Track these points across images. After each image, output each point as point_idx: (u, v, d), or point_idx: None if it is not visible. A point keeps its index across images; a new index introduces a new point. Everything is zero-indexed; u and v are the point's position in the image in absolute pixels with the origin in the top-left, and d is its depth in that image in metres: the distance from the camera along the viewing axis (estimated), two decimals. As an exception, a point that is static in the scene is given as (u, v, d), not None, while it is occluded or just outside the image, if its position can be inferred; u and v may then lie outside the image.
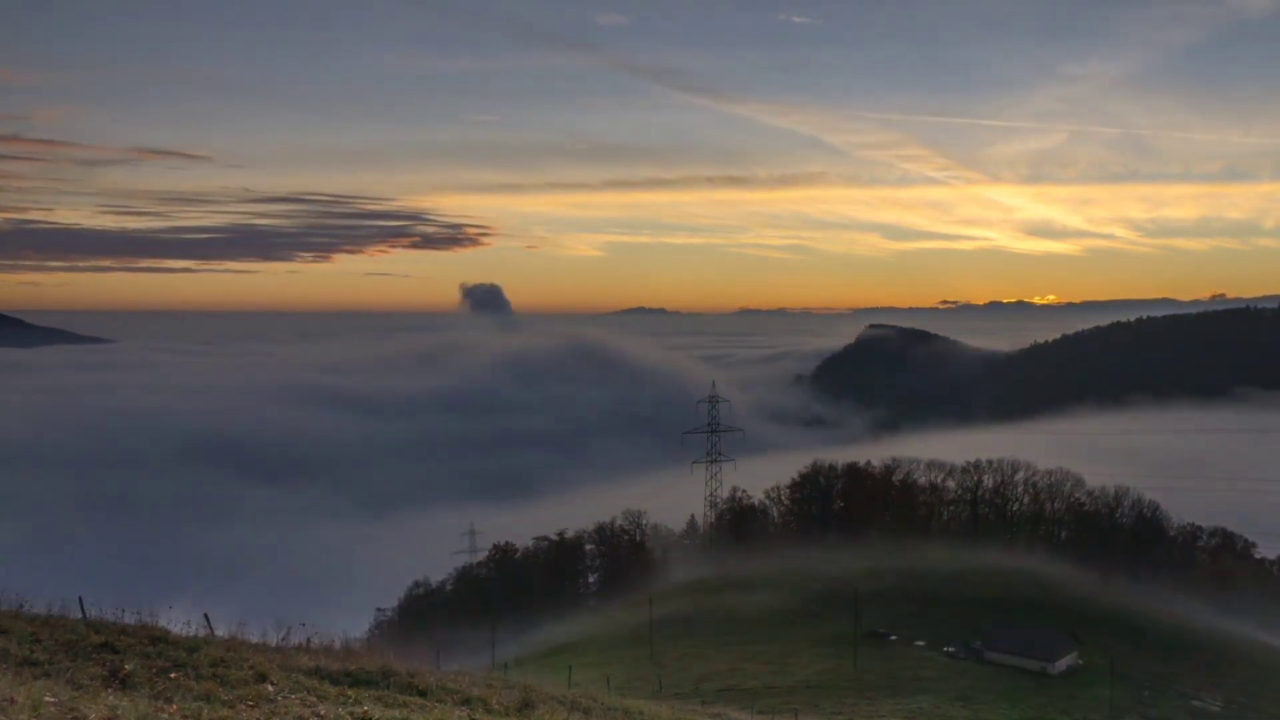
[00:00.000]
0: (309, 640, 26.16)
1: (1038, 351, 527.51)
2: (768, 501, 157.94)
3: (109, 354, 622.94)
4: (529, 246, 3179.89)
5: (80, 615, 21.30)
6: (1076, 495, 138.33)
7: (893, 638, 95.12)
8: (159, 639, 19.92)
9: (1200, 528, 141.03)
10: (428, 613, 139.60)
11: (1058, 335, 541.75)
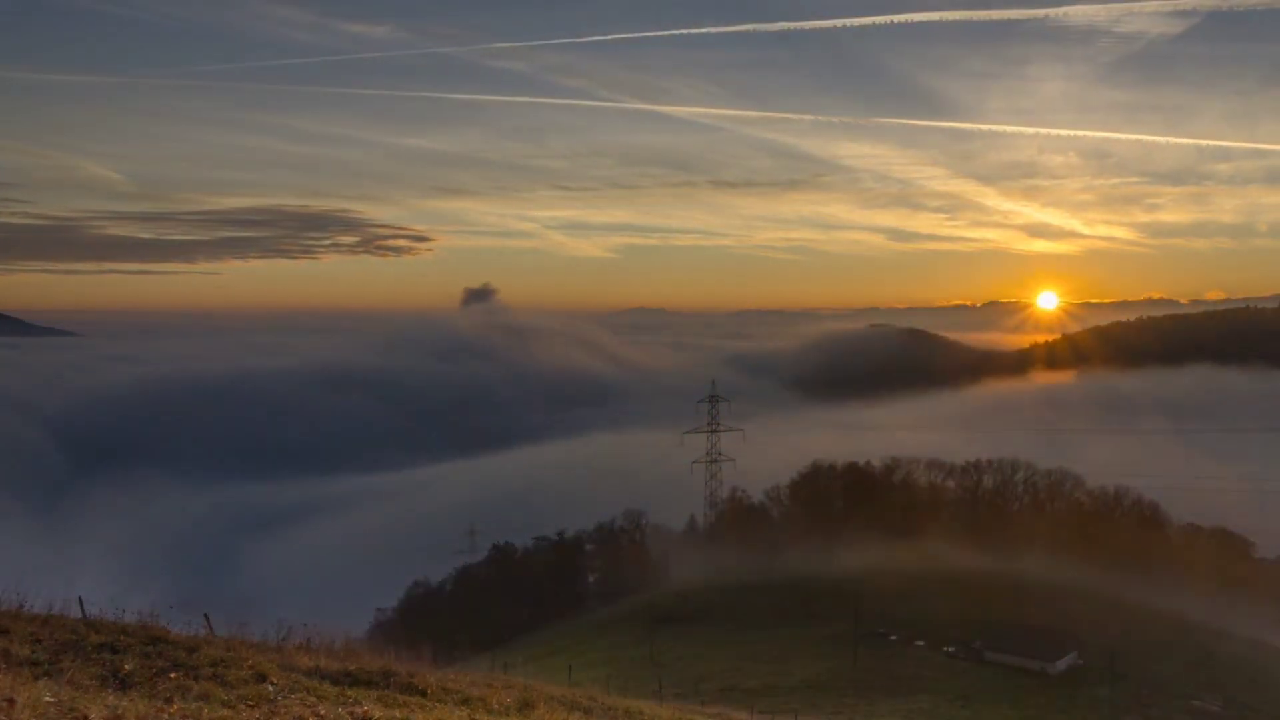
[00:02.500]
0: (309, 640, 26.11)
1: (1037, 351, 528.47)
2: (768, 501, 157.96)
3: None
4: (536, 248, 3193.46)
5: (80, 615, 21.29)
6: (1076, 495, 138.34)
7: (893, 638, 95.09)
8: (158, 639, 19.89)
9: (1200, 528, 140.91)
10: (428, 613, 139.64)
11: (1057, 335, 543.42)
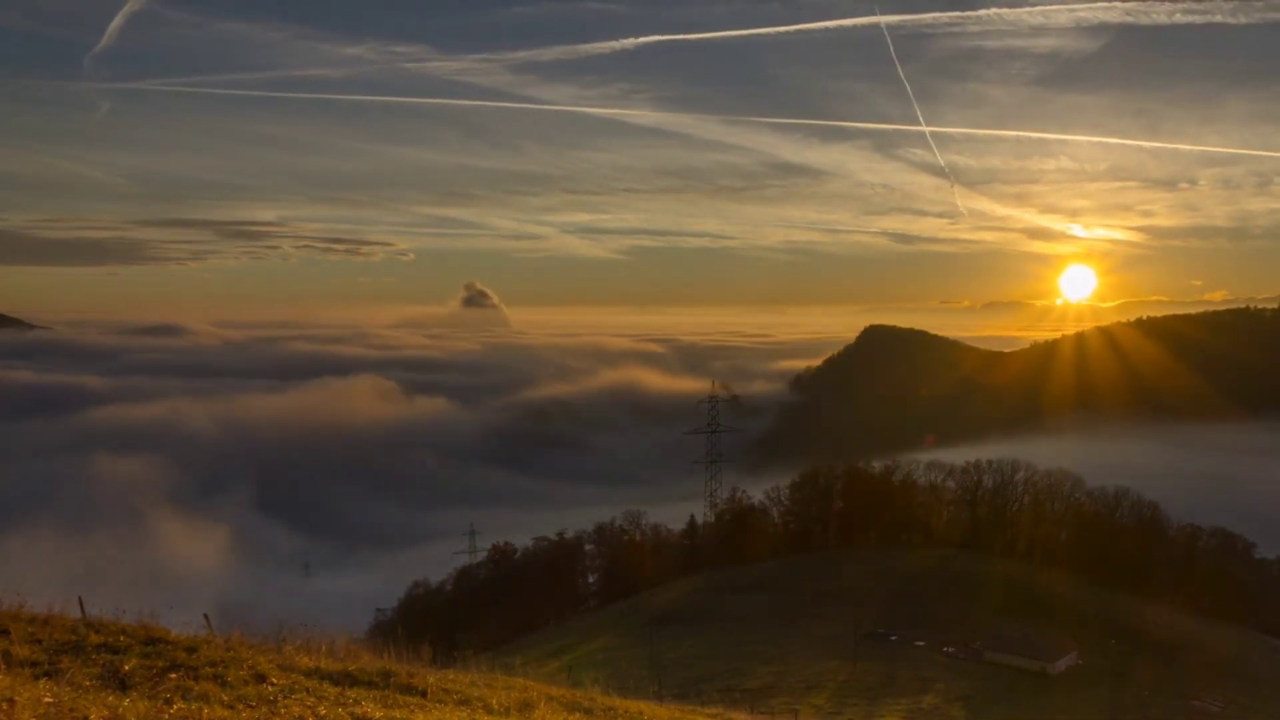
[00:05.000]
0: (309, 640, 26.09)
1: (1037, 352, 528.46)
2: (768, 502, 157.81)
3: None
4: (540, 250, 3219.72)
5: (79, 615, 21.27)
6: (1076, 495, 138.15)
7: (893, 638, 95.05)
8: (158, 639, 19.86)
9: (1200, 528, 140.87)
10: (428, 613, 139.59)
11: (1058, 335, 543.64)
